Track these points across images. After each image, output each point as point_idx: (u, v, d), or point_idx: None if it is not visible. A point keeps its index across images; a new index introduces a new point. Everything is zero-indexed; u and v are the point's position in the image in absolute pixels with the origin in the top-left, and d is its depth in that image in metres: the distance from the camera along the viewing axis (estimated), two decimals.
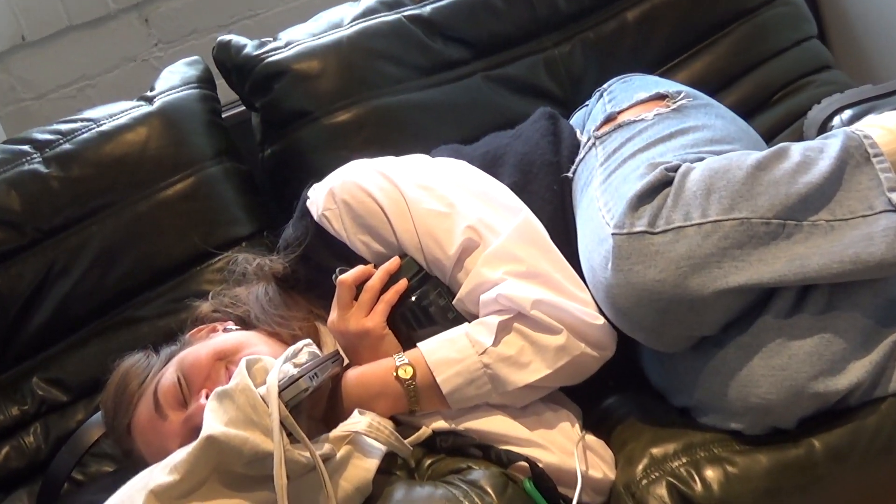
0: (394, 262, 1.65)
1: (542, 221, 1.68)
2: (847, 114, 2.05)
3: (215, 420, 1.34)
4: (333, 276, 1.66)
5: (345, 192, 1.67)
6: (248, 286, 1.80)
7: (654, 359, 1.66)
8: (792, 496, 1.48)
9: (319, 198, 1.70)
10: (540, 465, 1.52)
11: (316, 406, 1.55)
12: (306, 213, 1.73)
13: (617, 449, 1.61)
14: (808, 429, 1.48)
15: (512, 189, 1.74)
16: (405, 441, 1.52)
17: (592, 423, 1.68)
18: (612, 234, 1.49)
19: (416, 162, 1.81)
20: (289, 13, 2.83)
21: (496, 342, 1.55)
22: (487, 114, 2.23)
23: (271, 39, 2.27)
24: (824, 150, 1.53)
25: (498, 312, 1.57)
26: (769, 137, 2.20)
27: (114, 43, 2.74)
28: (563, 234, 1.70)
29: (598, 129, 1.81)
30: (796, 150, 1.54)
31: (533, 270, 1.58)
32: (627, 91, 1.93)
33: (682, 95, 1.83)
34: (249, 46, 2.25)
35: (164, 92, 2.24)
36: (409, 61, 2.24)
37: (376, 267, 1.66)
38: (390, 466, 1.52)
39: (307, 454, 1.35)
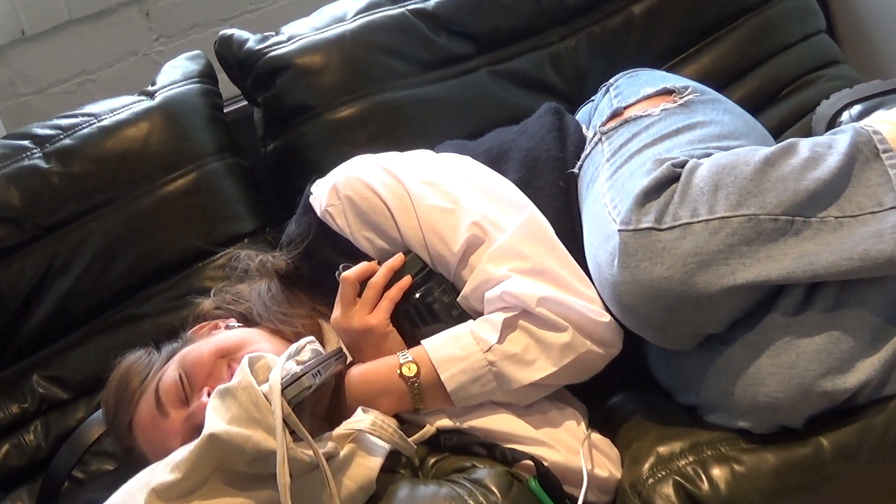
0: (398, 259, 1.65)
1: (548, 218, 1.68)
2: (856, 109, 2.05)
3: (217, 418, 1.34)
4: (337, 272, 1.66)
5: (348, 187, 1.67)
6: (250, 283, 1.80)
7: (660, 356, 1.66)
8: (800, 495, 1.48)
9: (322, 194, 1.70)
10: (545, 464, 1.52)
11: (319, 404, 1.56)
12: (309, 209, 1.73)
13: (623, 447, 1.61)
14: (816, 427, 1.49)
15: (517, 185, 1.74)
16: (409, 439, 1.52)
17: (598, 421, 1.69)
18: (619, 230, 1.49)
19: (420, 157, 1.81)
20: (291, 7, 2.83)
21: (501, 340, 1.55)
22: (492, 109, 2.23)
23: (274, 34, 2.27)
24: (833, 146, 1.53)
25: (503, 310, 1.57)
26: (777, 133, 2.19)
27: (114, 37, 2.74)
28: (569, 230, 1.70)
29: (604, 124, 1.81)
30: (805, 145, 1.54)
31: (538, 267, 1.58)
32: (634, 86, 1.93)
33: (689, 90, 1.83)
34: (252, 41, 2.25)
35: (165, 87, 2.24)
36: (412, 56, 2.24)
37: (380, 263, 1.66)
38: (394, 465, 1.52)
39: (310, 452, 1.35)
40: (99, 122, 2.14)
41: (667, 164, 1.53)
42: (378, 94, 2.20)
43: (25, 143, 2.12)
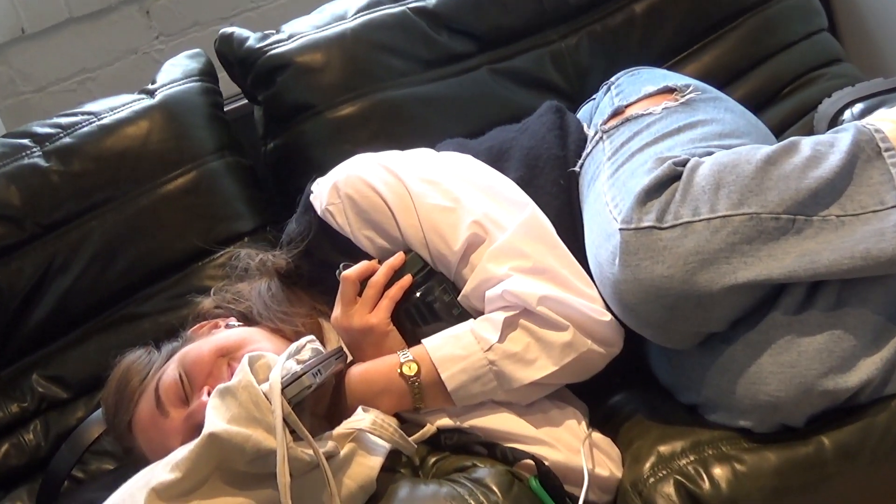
0: (398, 258, 1.65)
1: (549, 216, 1.68)
2: (858, 107, 2.06)
3: (217, 417, 1.34)
4: (337, 271, 1.66)
5: (349, 186, 1.68)
6: (250, 282, 1.80)
7: (661, 355, 1.66)
8: (801, 494, 1.48)
9: (323, 192, 1.70)
10: (546, 464, 1.52)
11: (319, 403, 1.56)
12: (310, 207, 1.73)
13: (624, 447, 1.61)
14: (818, 426, 1.49)
15: (518, 183, 1.74)
16: (409, 439, 1.52)
17: (599, 420, 1.69)
18: (620, 229, 1.49)
19: (421, 156, 1.81)
20: (292, 5, 2.82)
21: (502, 339, 1.55)
22: (493, 107, 2.23)
23: (274, 32, 2.27)
24: (835, 145, 1.53)
25: (504, 309, 1.57)
26: (779, 131, 2.19)
27: (115, 35, 2.74)
28: (570, 229, 1.70)
29: (605, 122, 1.81)
30: (806, 144, 1.54)
31: (539, 266, 1.59)
32: (635, 84, 1.93)
33: (690, 89, 1.83)
34: (252, 39, 2.25)
35: (165, 85, 2.24)
36: (413, 54, 2.24)
37: (380, 262, 1.66)
38: (394, 464, 1.52)
39: (310, 452, 1.35)
40: (99, 120, 2.14)
41: (668, 163, 1.53)
42: (379, 92, 2.20)
43: (25, 141, 2.12)
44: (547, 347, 1.56)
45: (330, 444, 1.40)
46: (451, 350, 1.56)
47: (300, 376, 1.38)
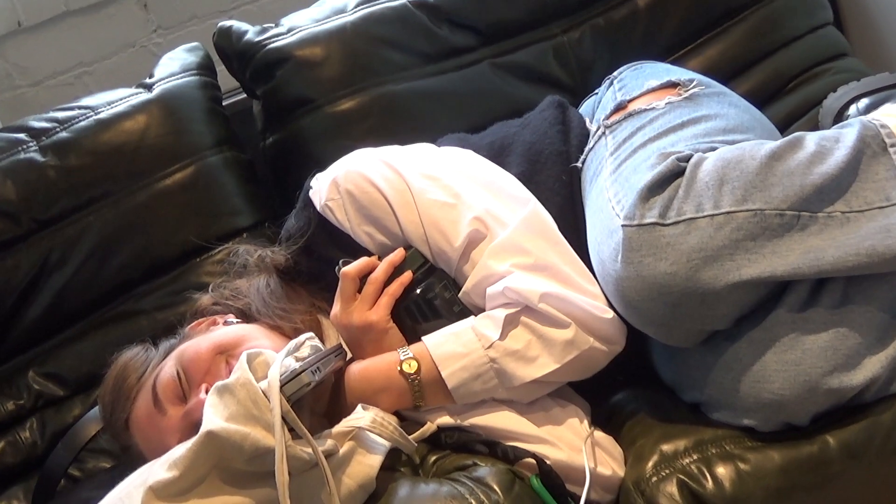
0: (398, 254, 1.65)
1: (551, 212, 1.68)
2: (864, 102, 2.06)
3: (215, 415, 1.34)
4: (336, 267, 1.66)
5: (348, 181, 1.67)
6: (249, 278, 1.80)
7: (664, 353, 1.66)
8: (805, 494, 1.48)
9: (322, 188, 1.70)
10: (547, 462, 1.52)
11: (318, 401, 1.56)
12: (309, 203, 1.73)
13: (626, 445, 1.61)
14: (823, 425, 1.48)
15: (519, 179, 1.74)
16: (409, 437, 1.52)
17: (601, 419, 1.69)
18: (622, 225, 1.49)
19: (422, 151, 1.81)
20: None
21: (503, 336, 1.55)
22: (494, 102, 2.23)
23: (273, 25, 2.27)
24: (840, 140, 1.53)
25: (505, 306, 1.57)
26: (784, 127, 2.19)
27: (112, 29, 2.74)
28: (572, 225, 1.70)
29: (607, 117, 1.81)
30: (811, 139, 1.53)
31: (541, 263, 1.58)
32: (638, 79, 1.93)
33: (694, 83, 1.83)
34: (251, 32, 2.25)
35: (163, 79, 2.24)
36: (414, 48, 2.24)
37: (380, 259, 1.66)
38: (394, 463, 1.52)
39: (309, 450, 1.35)
40: (96, 114, 2.15)
41: (671, 159, 1.53)
42: (379, 86, 2.20)
43: (21, 136, 2.12)
44: (548, 345, 1.56)
45: (329, 443, 1.40)
46: (451, 347, 1.56)
47: (299, 374, 1.38)
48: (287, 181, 2.16)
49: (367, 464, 1.44)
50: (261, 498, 1.35)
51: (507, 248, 1.60)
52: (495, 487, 1.44)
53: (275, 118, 2.23)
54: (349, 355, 1.65)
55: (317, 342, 1.52)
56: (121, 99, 2.18)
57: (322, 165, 1.79)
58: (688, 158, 1.54)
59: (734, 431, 1.53)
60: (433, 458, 1.56)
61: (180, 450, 1.34)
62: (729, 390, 1.51)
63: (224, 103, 2.32)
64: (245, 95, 2.35)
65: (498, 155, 1.82)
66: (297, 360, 1.44)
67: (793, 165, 1.49)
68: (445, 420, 1.59)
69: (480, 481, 1.45)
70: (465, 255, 1.63)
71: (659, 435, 1.58)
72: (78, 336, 2.07)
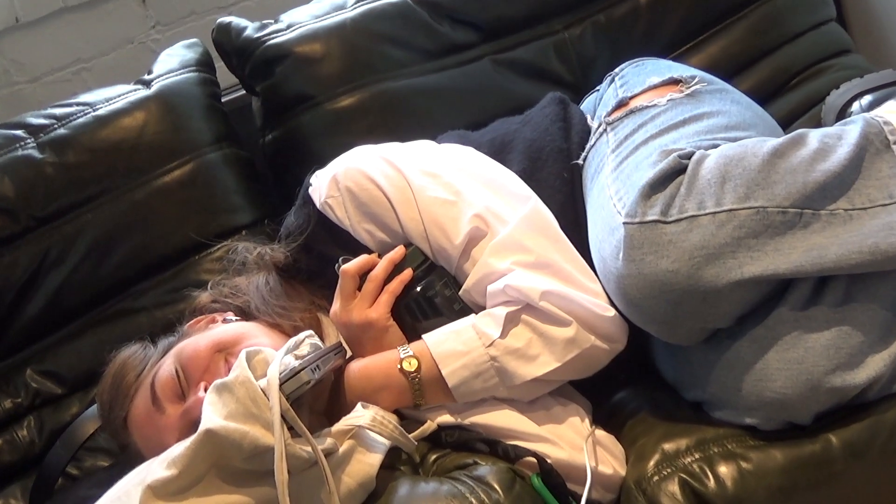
0: (398, 252, 1.65)
1: (552, 210, 1.68)
2: (866, 99, 2.05)
3: (214, 413, 1.34)
4: (336, 265, 1.66)
5: (348, 179, 1.67)
6: (248, 276, 1.80)
7: (666, 352, 1.66)
8: (808, 493, 1.48)
9: (322, 185, 1.70)
10: (548, 461, 1.52)
11: (318, 399, 1.56)
12: (308, 200, 1.73)
13: (628, 444, 1.61)
14: (825, 424, 1.48)
15: (520, 176, 1.74)
16: (409, 435, 1.52)
17: (602, 417, 1.69)
18: (624, 223, 1.49)
19: (422, 148, 1.81)
20: None
21: (504, 334, 1.55)
22: (495, 99, 2.23)
23: (272, 21, 2.27)
24: (843, 137, 1.53)
25: (505, 304, 1.57)
26: (786, 124, 2.19)
27: (110, 25, 2.74)
28: (573, 222, 1.70)
29: (609, 114, 1.81)
30: (814, 136, 1.53)
31: (542, 260, 1.58)
32: (640, 75, 1.93)
33: (696, 80, 1.82)
34: (250, 29, 2.25)
35: (162, 75, 2.24)
36: (414, 44, 2.24)
37: (380, 256, 1.66)
38: (394, 462, 1.52)
39: (309, 449, 1.35)
40: (94, 111, 2.15)
41: (673, 156, 1.53)
42: (379, 83, 2.20)
43: (19, 132, 2.12)
44: (549, 343, 1.56)
45: (329, 441, 1.40)
46: (452, 346, 1.56)
47: (298, 372, 1.38)
48: (286, 178, 2.16)
49: (367, 462, 1.44)
50: (260, 497, 1.35)
51: (507, 245, 1.59)
52: (496, 486, 1.44)
53: (274, 115, 2.23)
54: (349, 353, 1.65)
55: (316, 340, 1.52)
56: (119, 95, 2.18)
57: (322, 162, 1.78)
58: (690, 156, 1.53)
59: (736, 430, 1.53)
60: (433, 456, 1.56)
61: (179, 448, 1.33)
62: (731, 389, 1.51)
63: (223, 100, 2.33)
64: (244, 92, 2.35)
65: (499, 152, 1.82)
66: (297, 358, 1.44)
67: (795, 163, 1.48)
68: (446, 418, 1.58)
69: (481, 480, 1.45)
70: (465, 253, 1.63)
71: (660, 434, 1.58)
72: (76, 334, 2.07)
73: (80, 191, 2.08)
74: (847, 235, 1.45)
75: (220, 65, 2.33)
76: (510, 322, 1.56)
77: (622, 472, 1.57)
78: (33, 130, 2.12)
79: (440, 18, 2.27)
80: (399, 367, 1.56)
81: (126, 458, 1.62)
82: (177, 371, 1.58)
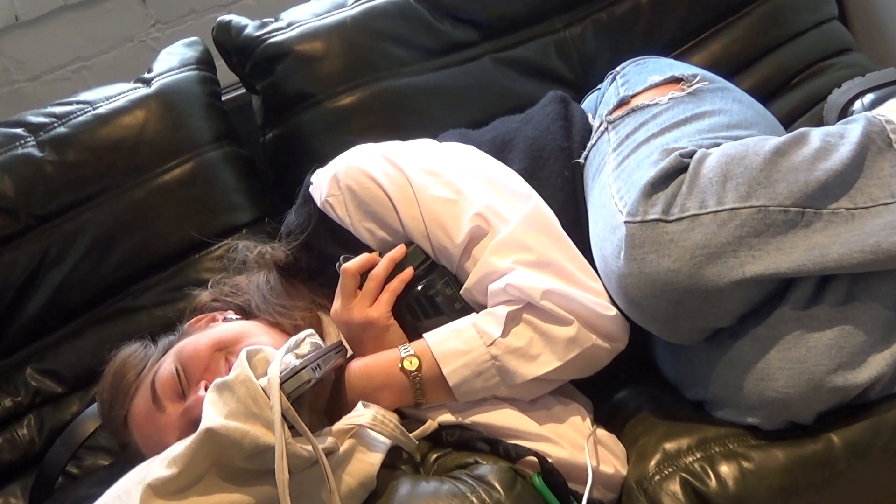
0: (399, 251, 1.65)
1: (553, 209, 1.68)
2: (868, 98, 2.05)
3: (215, 412, 1.34)
4: (337, 264, 1.66)
5: (349, 177, 1.67)
6: (248, 275, 1.80)
7: (667, 351, 1.66)
8: (809, 493, 1.48)
9: (323, 183, 1.70)
10: (549, 460, 1.52)
11: (318, 398, 1.56)
12: (309, 199, 1.73)
13: (629, 444, 1.61)
14: (827, 424, 1.48)
15: (521, 175, 1.74)
16: (410, 435, 1.52)
17: (604, 416, 1.69)
18: (625, 221, 1.49)
19: (423, 147, 1.81)
20: None
21: (505, 333, 1.55)
22: (496, 97, 2.23)
23: (273, 20, 2.27)
24: (845, 136, 1.53)
25: (507, 302, 1.57)
26: (788, 122, 2.19)
27: (110, 23, 2.74)
28: (575, 221, 1.70)
29: (610, 113, 1.81)
30: (816, 135, 1.53)
31: (543, 259, 1.58)
32: (641, 74, 1.92)
33: (697, 79, 1.82)
34: (250, 27, 2.25)
35: (162, 74, 2.24)
36: (415, 43, 2.24)
37: (381, 255, 1.66)
38: (395, 461, 1.52)
39: (309, 448, 1.35)
40: (94, 109, 2.15)
41: (675, 154, 1.53)
42: (379, 81, 2.20)
43: (19, 131, 2.12)
44: (551, 342, 1.55)
45: (329, 440, 1.40)
46: (452, 345, 1.56)
47: (299, 371, 1.37)
48: (287, 177, 2.16)
49: (368, 462, 1.44)
50: (260, 496, 1.35)
51: (508, 244, 1.59)
52: (497, 486, 1.44)
53: (274, 113, 2.23)
54: (350, 352, 1.65)
55: (317, 339, 1.52)
56: (119, 94, 2.18)
57: (322, 161, 1.78)
58: (691, 154, 1.53)
59: (738, 430, 1.53)
60: (434, 455, 1.56)
61: (179, 447, 1.33)
62: (732, 388, 1.50)
63: (223, 98, 2.33)
64: (244, 90, 2.35)
65: (500, 151, 1.82)
66: (298, 357, 1.44)
67: (797, 161, 1.48)
68: (446, 418, 1.58)
69: (482, 479, 1.45)
70: (466, 252, 1.63)
71: (662, 433, 1.58)
72: (76, 333, 2.07)
73: (80, 189, 2.08)
74: (849, 234, 1.45)
75: (220, 63, 2.33)
76: (511, 321, 1.56)
77: (623, 471, 1.57)
78: (33, 129, 2.12)
79: (441, 17, 2.27)
80: (400, 366, 1.56)
81: (126, 457, 1.62)
82: (177, 370, 1.58)
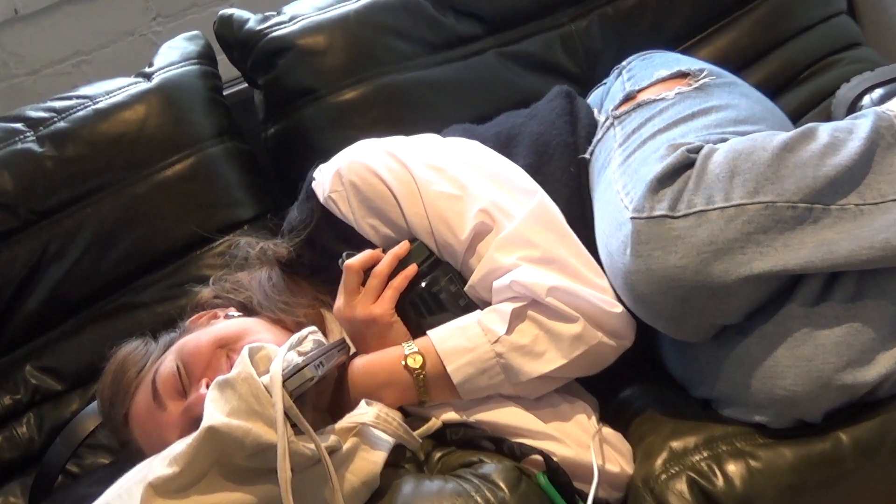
0: (403, 247, 1.65)
1: (558, 204, 1.68)
2: (878, 93, 2.05)
3: (216, 410, 1.34)
4: (340, 260, 1.66)
5: (352, 173, 1.67)
6: (250, 271, 1.80)
7: (674, 348, 1.66)
8: (817, 492, 1.48)
9: (326, 179, 1.70)
10: (555, 459, 1.52)
11: (321, 396, 1.56)
12: (312, 195, 1.73)
13: (635, 442, 1.61)
14: (835, 422, 1.48)
15: (526, 171, 1.74)
16: (414, 433, 1.52)
17: (609, 415, 1.69)
18: (631, 218, 1.49)
19: (427, 142, 1.80)
20: None
21: (510, 330, 1.55)
22: (501, 92, 2.23)
23: (275, 13, 2.27)
24: (853, 131, 1.53)
25: (511, 299, 1.57)
26: (796, 117, 2.19)
27: (111, 17, 2.74)
28: (580, 217, 1.70)
29: (616, 108, 1.81)
30: (824, 130, 1.53)
31: (548, 256, 1.58)
32: (647, 69, 1.92)
33: (704, 73, 1.82)
34: (252, 21, 2.25)
35: (163, 68, 2.24)
36: (419, 37, 2.23)
37: (385, 251, 1.66)
38: (398, 459, 1.52)
39: (312, 446, 1.35)
40: (94, 104, 2.15)
41: (681, 150, 1.53)
42: (383, 76, 2.20)
43: (18, 125, 2.12)
44: (556, 340, 1.55)
45: (332, 439, 1.40)
46: (457, 342, 1.56)
47: (301, 368, 1.37)
48: (289, 172, 2.16)
49: (371, 460, 1.44)
50: (262, 495, 1.35)
51: (513, 240, 1.59)
52: (501, 484, 1.44)
53: (277, 108, 2.23)
54: (353, 350, 1.65)
55: (320, 336, 1.52)
56: (119, 88, 2.18)
57: (325, 156, 1.78)
58: (698, 150, 1.53)
59: (745, 428, 1.53)
60: (438, 454, 1.56)
61: (180, 445, 1.34)
62: (740, 386, 1.50)
63: (225, 93, 2.33)
64: (246, 85, 2.35)
65: (505, 146, 1.82)
66: (300, 354, 1.44)
67: (805, 157, 1.48)
68: (451, 416, 1.58)
69: (486, 478, 1.45)
70: (471, 248, 1.62)
71: (668, 431, 1.58)
72: (76, 329, 2.07)
73: (80, 185, 2.08)
74: (858, 231, 1.45)
75: (221, 57, 2.33)
76: (516, 318, 1.56)
77: (629, 470, 1.57)
78: (33, 124, 2.12)
79: (444, 10, 2.26)
80: (403, 363, 1.56)
81: (127, 456, 1.62)
82: (178, 367, 1.58)
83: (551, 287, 1.54)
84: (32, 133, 2.10)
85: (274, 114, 2.24)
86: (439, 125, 1.98)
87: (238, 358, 1.41)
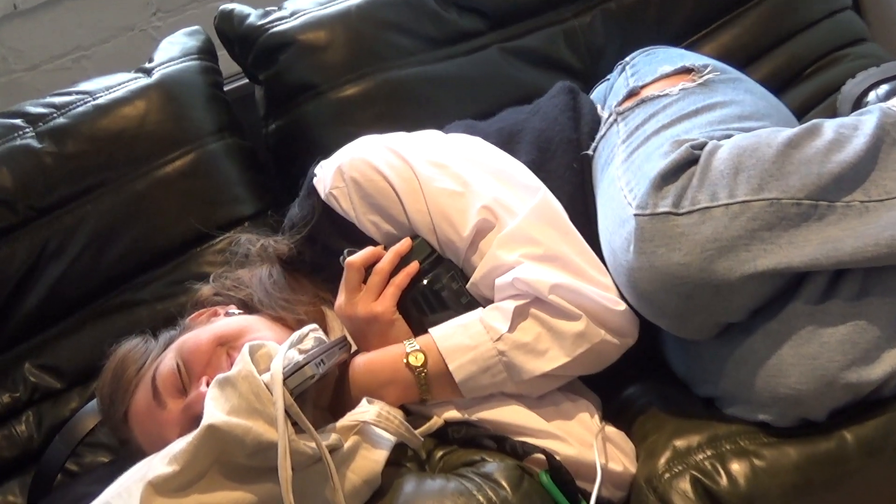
0: (405, 244, 1.65)
1: (561, 201, 1.68)
2: (883, 89, 2.05)
3: (217, 408, 1.34)
4: (341, 257, 1.66)
5: (354, 169, 1.67)
6: (251, 268, 1.80)
7: (677, 346, 1.66)
8: (822, 491, 1.48)
9: (327, 175, 1.70)
10: (557, 458, 1.52)
11: (322, 394, 1.56)
12: (313, 191, 1.73)
13: (638, 441, 1.61)
14: (840, 421, 1.48)
15: (529, 167, 1.74)
16: (416, 431, 1.52)
17: (612, 413, 1.68)
18: (635, 214, 1.49)
19: (429, 138, 1.80)
20: None
21: (512, 328, 1.55)
22: (503, 88, 2.23)
23: (276, 9, 2.27)
24: (859, 128, 1.53)
25: (514, 297, 1.57)
26: (801, 114, 2.19)
27: (110, 12, 2.74)
28: (583, 214, 1.69)
29: (620, 104, 1.81)
30: (829, 127, 1.53)
31: (551, 253, 1.58)
32: (651, 64, 1.92)
33: (708, 69, 1.82)
34: (253, 16, 2.24)
35: (163, 63, 2.24)
36: (421, 32, 2.23)
37: (386, 248, 1.66)
38: (400, 458, 1.52)
39: (313, 445, 1.35)
40: (94, 100, 2.15)
41: (685, 146, 1.53)
42: (384, 72, 2.20)
43: (17, 121, 2.12)
44: (559, 337, 1.55)
45: (333, 437, 1.40)
46: (459, 340, 1.56)
47: (302, 366, 1.37)
48: (290, 169, 2.16)
49: (372, 459, 1.44)
50: (263, 493, 1.35)
51: (516, 237, 1.59)
52: (504, 483, 1.44)
53: (277, 104, 2.23)
54: (354, 347, 1.65)
55: (320, 334, 1.52)
56: (119, 84, 2.18)
57: (326, 152, 1.78)
58: (702, 146, 1.53)
59: (749, 427, 1.53)
60: (440, 453, 1.56)
61: (180, 444, 1.34)
62: (744, 384, 1.50)
63: (225, 89, 2.33)
64: (247, 80, 2.35)
65: (507, 142, 1.81)
66: (301, 352, 1.44)
67: (810, 153, 1.48)
68: (452, 414, 1.58)
69: (488, 477, 1.45)
70: (473, 245, 1.62)
71: (672, 430, 1.58)
72: (75, 327, 2.07)
73: (79, 181, 2.08)
74: (863, 228, 1.44)
75: (222, 53, 2.33)
76: (518, 316, 1.55)
77: (632, 469, 1.57)
78: (32, 119, 2.12)
79: (447, 5, 2.26)
80: (405, 361, 1.56)
81: (126, 454, 1.62)
82: (178, 365, 1.58)
83: (554, 284, 1.54)
84: (32, 129, 2.10)
85: (275, 110, 2.24)
86: (441, 121, 1.98)
87: (238, 356, 1.41)
